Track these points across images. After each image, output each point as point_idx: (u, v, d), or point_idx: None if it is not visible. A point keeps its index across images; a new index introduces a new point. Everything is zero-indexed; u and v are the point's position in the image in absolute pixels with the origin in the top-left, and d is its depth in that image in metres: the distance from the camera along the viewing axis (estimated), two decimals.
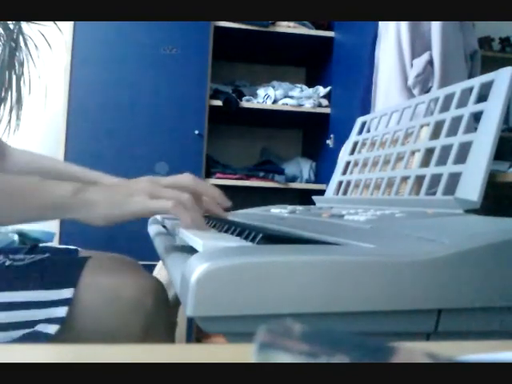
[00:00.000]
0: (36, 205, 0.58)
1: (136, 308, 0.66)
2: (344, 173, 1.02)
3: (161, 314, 0.70)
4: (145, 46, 1.96)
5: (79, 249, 0.92)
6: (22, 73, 2.23)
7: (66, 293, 0.63)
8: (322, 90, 2.17)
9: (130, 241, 1.80)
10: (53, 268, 0.67)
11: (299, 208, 0.87)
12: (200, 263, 0.34)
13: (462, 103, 0.71)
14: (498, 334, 0.41)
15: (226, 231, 0.64)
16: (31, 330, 0.61)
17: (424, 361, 0.17)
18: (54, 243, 1.73)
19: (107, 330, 0.65)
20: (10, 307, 0.62)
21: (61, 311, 0.62)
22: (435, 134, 0.74)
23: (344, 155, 1.06)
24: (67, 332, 0.62)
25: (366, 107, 1.57)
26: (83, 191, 0.56)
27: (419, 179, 0.74)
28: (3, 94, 2.18)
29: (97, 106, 1.92)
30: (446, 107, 0.75)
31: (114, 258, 0.86)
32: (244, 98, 2.10)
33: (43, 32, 2.27)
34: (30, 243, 0.93)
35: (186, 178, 0.58)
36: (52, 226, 1.80)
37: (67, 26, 1.94)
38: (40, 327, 0.61)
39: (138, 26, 1.94)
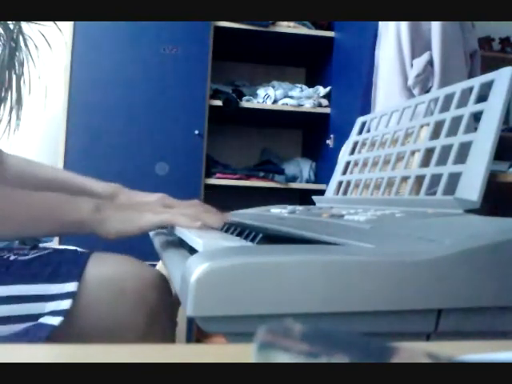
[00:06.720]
0: (60, 221, 0.66)
1: (140, 301, 0.66)
2: (344, 173, 1.02)
3: (164, 307, 0.71)
4: (145, 45, 1.96)
5: (78, 249, 0.92)
6: (22, 73, 2.23)
7: (70, 286, 0.64)
8: (321, 90, 2.17)
9: (130, 241, 1.80)
10: (57, 262, 0.67)
11: (299, 208, 0.87)
12: (200, 263, 0.34)
13: (462, 103, 0.71)
14: (497, 334, 0.41)
15: (226, 231, 0.64)
16: (34, 322, 0.61)
17: (424, 361, 0.17)
18: (54, 243, 1.73)
19: (111, 323, 0.65)
20: (13, 300, 0.62)
21: (65, 304, 0.62)
22: (435, 134, 0.74)
23: (344, 155, 1.06)
24: (71, 326, 0.62)
25: (365, 107, 1.57)
26: (102, 210, 0.67)
27: (419, 179, 0.74)
28: (3, 94, 2.18)
29: (97, 106, 1.92)
30: (446, 107, 0.75)
31: (116, 255, 0.86)
32: (244, 98, 2.10)
33: (43, 32, 2.27)
34: (29, 243, 0.93)
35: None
36: None
37: (67, 26, 1.94)
38: (43, 319, 0.61)
39: (138, 26, 1.94)
